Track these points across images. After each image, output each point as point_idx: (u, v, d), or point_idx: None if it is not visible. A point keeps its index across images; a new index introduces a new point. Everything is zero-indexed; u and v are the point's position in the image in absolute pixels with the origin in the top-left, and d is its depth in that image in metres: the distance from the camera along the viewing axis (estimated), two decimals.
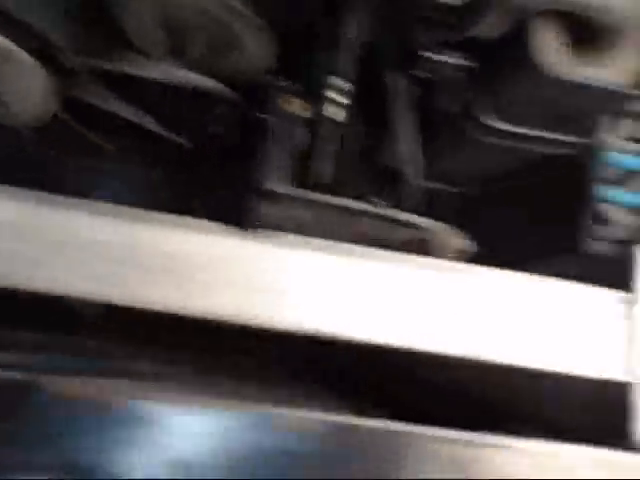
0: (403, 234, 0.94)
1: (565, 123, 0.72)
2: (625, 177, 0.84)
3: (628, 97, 0.63)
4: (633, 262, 0.46)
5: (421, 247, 0.94)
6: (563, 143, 0.75)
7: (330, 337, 0.42)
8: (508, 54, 0.64)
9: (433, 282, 0.50)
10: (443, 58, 0.72)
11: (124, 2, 0.87)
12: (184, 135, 1.02)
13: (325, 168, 1.00)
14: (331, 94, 0.89)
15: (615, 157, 0.83)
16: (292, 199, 0.86)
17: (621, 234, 0.83)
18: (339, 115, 0.91)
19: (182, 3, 0.86)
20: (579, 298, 0.47)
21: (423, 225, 0.89)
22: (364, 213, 0.89)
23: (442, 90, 0.77)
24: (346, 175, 1.04)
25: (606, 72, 0.64)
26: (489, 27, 0.61)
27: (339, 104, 0.90)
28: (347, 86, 0.87)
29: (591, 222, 0.78)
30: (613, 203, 0.83)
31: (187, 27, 0.91)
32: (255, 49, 0.93)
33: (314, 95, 0.91)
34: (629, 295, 0.47)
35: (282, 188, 0.85)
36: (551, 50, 0.62)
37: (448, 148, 0.84)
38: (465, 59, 0.72)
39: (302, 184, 1.03)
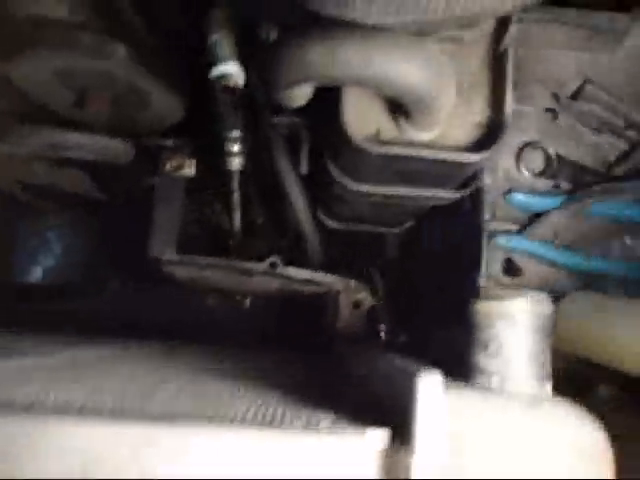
0: (310, 289, 0.90)
1: (422, 180, 0.63)
2: (529, 221, 0.74)
3: (444, 162, 0.54)
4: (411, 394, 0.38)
5: (326, 300, 0.89)
6: (432, 197, 0.67)
7: None
8: (330, 122, 0.58)
9: None
10: (283, 120, 0.67)
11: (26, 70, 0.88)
12: (103, 192, 1.03)
13: (236, 221, 0.98)
14: (231, 147, 0.86)
15: (519, 199, 0.74)
16: (180, 263, 0.84)
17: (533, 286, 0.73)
18: (240, 164, 0.88)
19: (85, 65, 0.86)
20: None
21: (323, 281, 0.85)
22: (264, 273, 0.86)
23: (299, 151, 0.71)
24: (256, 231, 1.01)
25: (432, 134, 0.56)
26: (291, 98, 0.55)
27: (239, 154, 0.86)
28: (240, 135, 0.84)
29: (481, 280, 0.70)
30: (521, 253, 0.74)
31: (92, 86, 0.90)
32: (163, 107, 0.92)
33: (215, 151, 0.88)
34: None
35: (167, 255, 0.83)
36: (361, 123, 0.55)
37: (330, 200, 0.78)
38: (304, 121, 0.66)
39: (212, 242, 1.02)
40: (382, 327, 1.17)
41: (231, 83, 0.54)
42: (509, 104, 0.55)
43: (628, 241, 0.73)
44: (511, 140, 0.73)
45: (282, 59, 0.48)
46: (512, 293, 0.46)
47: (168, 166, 0.85)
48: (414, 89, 0.47)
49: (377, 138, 0.55)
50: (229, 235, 1.05)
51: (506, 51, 0.56)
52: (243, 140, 0.85)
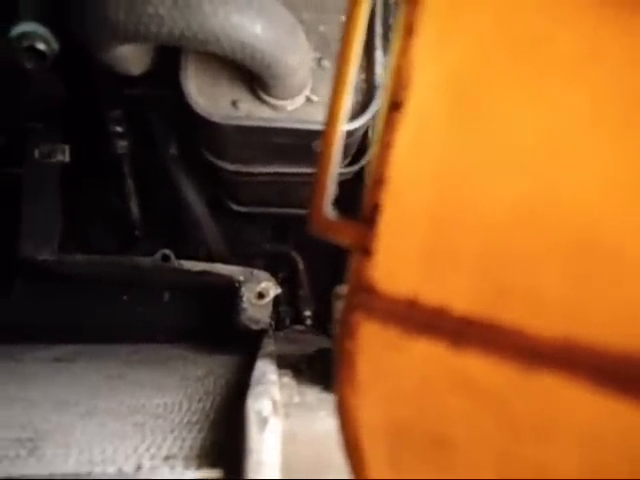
0: (208, 280, 0.82)
1: (297, 156, 0.56)
2: None
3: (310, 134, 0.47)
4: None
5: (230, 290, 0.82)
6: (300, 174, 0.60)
7: None
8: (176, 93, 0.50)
9: None
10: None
11: None
12: None
13: (134, 210, 0.89)
14: (114, 127, 0.77)
15: None
16: (59, 264, 0.75)
17: None
18: (126, 147, 0.79)
19: None
20: None
21: (222, 272, 0.77)
22: (155, 267, 0.78)
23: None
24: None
25: (296, 103, 0.48)
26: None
27: (122, 135, 0.78)
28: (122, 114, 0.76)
29: None
30: None
31: None
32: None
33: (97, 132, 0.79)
34: None
35: (43, 254, 0.74)
36: (209, 93, 0.47)
37: (226, 184, 0.71)
38: None
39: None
40: (307, 313, 1.11)
41: (39, 45, 0.45)
42: (379, 62, 0.48)
43: None
44: None
45: (85, 18, 0.39)
46: None
47: (37, 153, 0.75)
48: (250, 47, 0.39)
49: (232, 110, 0.48)
50: (134, 225, 0.97)
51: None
52: (126, 120, 0.76)
